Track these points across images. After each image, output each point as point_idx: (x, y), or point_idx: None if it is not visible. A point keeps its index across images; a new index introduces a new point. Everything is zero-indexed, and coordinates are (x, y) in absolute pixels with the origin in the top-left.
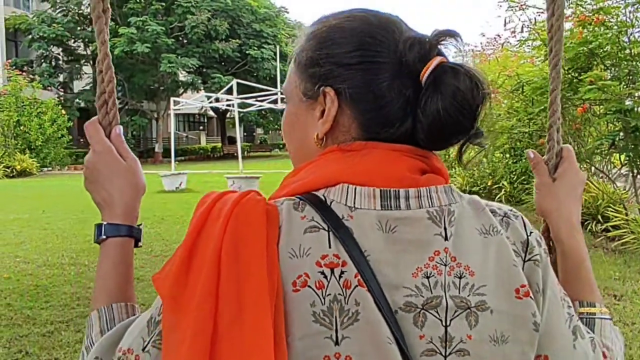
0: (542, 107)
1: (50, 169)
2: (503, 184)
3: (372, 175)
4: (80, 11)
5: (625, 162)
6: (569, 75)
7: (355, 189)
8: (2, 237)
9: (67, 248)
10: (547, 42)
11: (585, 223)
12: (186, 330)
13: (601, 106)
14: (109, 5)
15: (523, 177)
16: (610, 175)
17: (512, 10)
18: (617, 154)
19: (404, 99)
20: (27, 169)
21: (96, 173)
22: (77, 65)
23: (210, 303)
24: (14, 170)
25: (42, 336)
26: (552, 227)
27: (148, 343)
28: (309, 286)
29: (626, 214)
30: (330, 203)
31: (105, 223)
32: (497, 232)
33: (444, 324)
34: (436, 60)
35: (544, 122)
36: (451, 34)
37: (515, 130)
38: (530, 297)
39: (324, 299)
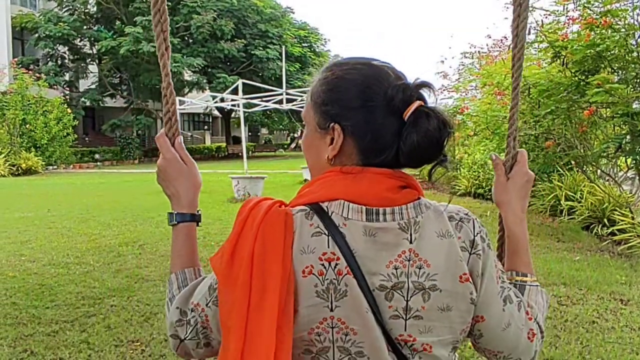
0: (549, 110)
1: (55, 167)
2: None
3: (361, 195)
4: (87, 10)
5: (632, 165)
6: (576, 78)
7: (349, 205)
8: (7, 235)
9: (72, 247)
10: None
11: (591, 226)
12: (234, 301)
13: (608, 109)
14: (169, 44)
15: None
16: (616, 179)
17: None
18: (624, 157)
19: (392, 132)
20: (33, 167)
21: (165, 174)
22: (82, 64)
23: (246, 288)
24: (19, 168)
25: (47, 335)
26: (503, 216)
27: (209, 301)
28: (313, 274)
29: (632, 218)
30: (331, 214)
31: (175, 212)
32: (450, 236)
33: (405, 299)
34: (415, 104)
35: (550, 124)
36: (427, 85)
37: (521, 133)
38: (470, 282)
39: (324, 282)
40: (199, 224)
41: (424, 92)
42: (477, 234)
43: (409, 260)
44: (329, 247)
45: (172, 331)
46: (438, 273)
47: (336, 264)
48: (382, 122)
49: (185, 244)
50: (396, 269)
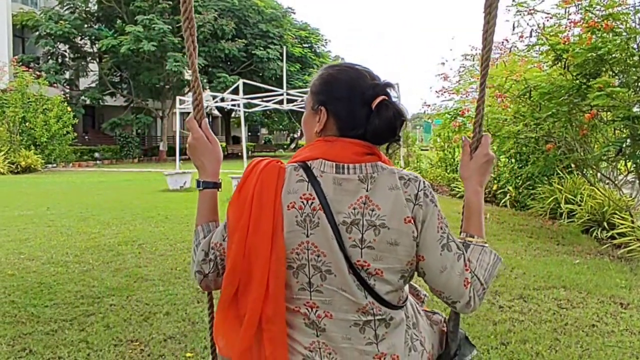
0: (550, 113)
1: (54, 165)
2: (508, 189)
3: (335, 156)
4: (88, 9)
5: (632, 169)
6: (577, 81)
7: (325, 162)
8: (6, 233)
9: (71, 245)
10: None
11: (591, 230)
12: (236, 231)
13: (609, 113)
14: (197, 44)
15: (528, 182)
16: (616, 182)
17: (520, 14)
18: (624, 161)
19: (363, 117)
20: (32, 165)
21: (194, 150)
22: (83, 63)
23: (247, 213)
24: (18, 166)
25: (45, 334)
26: (465, 188)
27: (224, 238)
28: (295, 208)
29: (632, 221)
30: (312, 168)
31: (202, 180)
32: (398, 189)
33: (361, 232)
34: (380, 98)
35: (550, 127)
36: (391, 85)
37: (522, 135)
38: (412, 224)
39: (302, 215)
40: (220, 189)
41: (390, 90)
42: (421, 190)
43: (364, 204)
44: (308, 190)
45: (197, 268)
46: (386, 215)
47: (312, 202)
48: (356, 109)
49: (209, 205)
50: (354, 209)
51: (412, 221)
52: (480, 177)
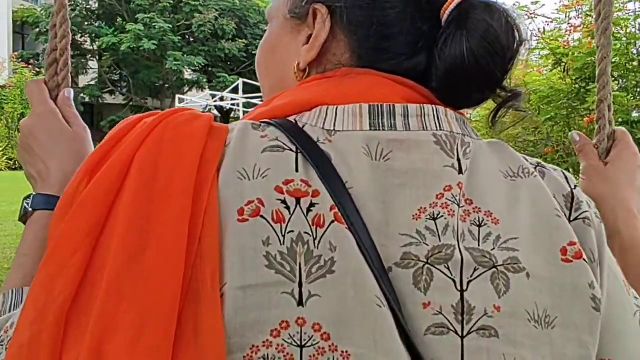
0: (548, 117)
1: None
2: None
3: (357, 96)
4: (88, 6)
5: None
6: (577, 86)
7: (336, 108)
8: (3, 227)
9: None
10: (593, 8)
11: None
12: (75, 270)
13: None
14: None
15: None
16: None
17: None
18: None
19: (418, 33)
20: None
21: (32, 140)
22: (83, 60)
23: (107, 244)
24: (16, 162)
25: None
26: (607, 216)
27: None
28: (262, 216)
29: None
30: (303, 126)
31: (40, 193)
32: (530, 174)
33: (459, 287)
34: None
35: (549, 131)
36: None
37: (521, 139)
38: (585, 261)
39: (284, 237)
40: None
41: None
42: (575, 187)
43: (458, 206)
44: (297, 171)
45: None
46: (518, 237)
47: (311, 204)
48: (401, 13)
49: (42, 246)
50: (434, 219)
51: (582, 253)
52: (633, 194)
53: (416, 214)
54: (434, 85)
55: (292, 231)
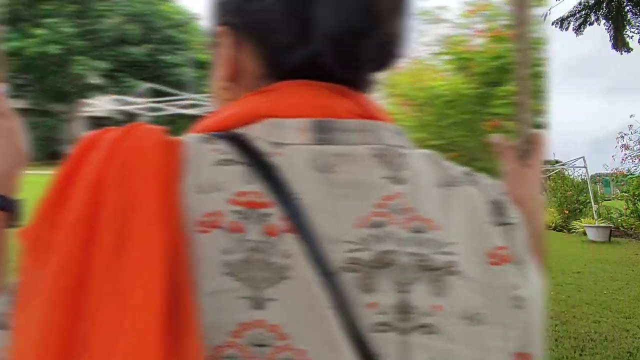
0: (452, 121)
1: None
2: None
3: (303, 107)
4: None
5: None
6: (480, 90)
7: (284, 122)
8: None
9: None
10: (508, 13)
11: None
12: (48, 273)
13: (512, 122)
14: None
15: None
16: None
17: (426, 23)
18: None
19: (295, 15)
20: None
21: None
22: None
23: (82, 236)
24: None
25: None
26: (529, 217)
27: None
28: (221, 228)
29: None
30: (253, 139)
31: None
32: (460, 184)
33: (401, 288)
34: None
35: (453, 136)
36: None
37: (426, 144)
38: (511, 263)
39: (241, 245)
40: (15, 215)
41: None
42: (502, 194)
43: (398, 215)
44: (249, 183)
45: None
46: (457, 243)
47: (265, 214)
48: (285, 4)
49: None
50: (377, 227)
51: (509, 258)
52: (539, 195)
53: (360, 222)
54: (327, 61)
55: (249, 240)
